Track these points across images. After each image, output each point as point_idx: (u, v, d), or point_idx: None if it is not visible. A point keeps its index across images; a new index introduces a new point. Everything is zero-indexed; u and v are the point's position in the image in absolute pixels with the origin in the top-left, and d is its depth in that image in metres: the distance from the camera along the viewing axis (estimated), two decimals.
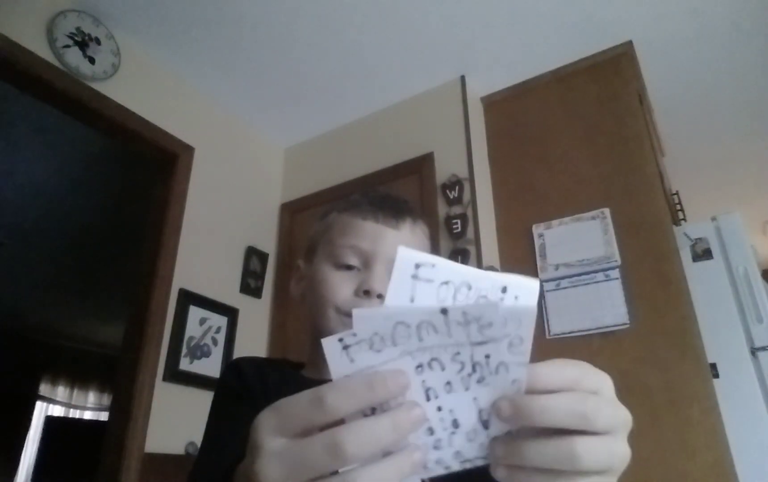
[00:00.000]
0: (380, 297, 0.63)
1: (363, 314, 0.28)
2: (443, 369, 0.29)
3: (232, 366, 0.68)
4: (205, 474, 0.57)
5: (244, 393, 0.63)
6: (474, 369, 0.29)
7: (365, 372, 0.28)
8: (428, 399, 0.29)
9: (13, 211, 3.75)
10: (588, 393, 0.30)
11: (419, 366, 0.29)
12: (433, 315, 0.28)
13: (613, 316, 1.96)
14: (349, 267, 0.66)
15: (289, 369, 0.72)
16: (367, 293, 0.63)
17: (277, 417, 0.29)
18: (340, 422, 0.28)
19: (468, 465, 0.31)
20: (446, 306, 0.28)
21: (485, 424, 0.30)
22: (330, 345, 0.28)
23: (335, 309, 0.64)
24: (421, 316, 0.28)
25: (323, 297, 0.65)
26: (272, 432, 0.28)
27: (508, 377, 0.29)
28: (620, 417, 0.31)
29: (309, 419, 0.28)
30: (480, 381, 0.29)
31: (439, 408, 0.29)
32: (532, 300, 0.30)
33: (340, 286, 0.65)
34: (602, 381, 0.32)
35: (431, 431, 0.30)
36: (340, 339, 0.28)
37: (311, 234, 0.76)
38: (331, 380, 0.28)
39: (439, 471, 0.31)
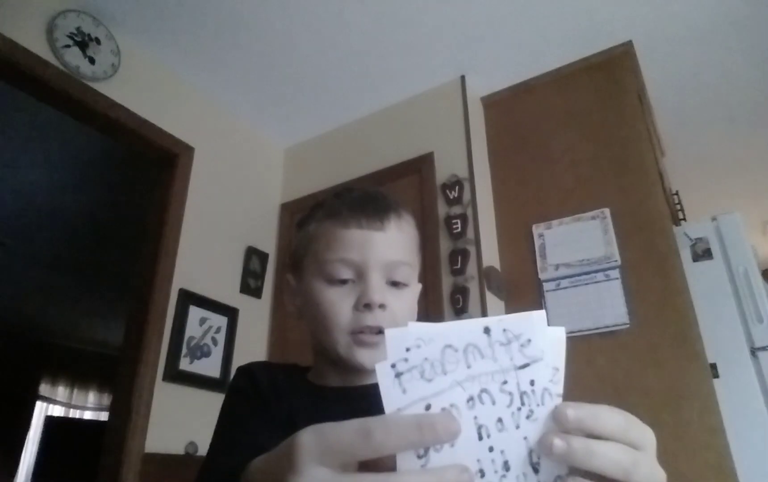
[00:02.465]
0: (382, 307, 0.62)
1: (414, 330, 0.28)
2: (494, 403, 0.29)
3: (244, 370, 0.67)
4: (217, 477, 0.56)
5: (257, 397, 0.63)
6: (522, 402, 0.29)
7: (416, 413, 0.28)
8: (480, 438, 0.29)
9: (14, 211, 3.75)
10: (632, 448, 0.31)
11: (470, 399, 0.29)
12: (478, 337, 0.29)
13: (613, 316, 1.96)
14: (343, 282, 0.63)
15: (297, 374, 0.71)
16: (367, 306, 0.61)
17: (321, 443, 0.28)
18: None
19: None
20: (488, 324, 0.29)
21: (535, 468, 0.29)
22: (383, 372, 0.28)
23: (339, 330, 0.62)
24: (467, 338, 0.28)
25: (325, 318, 0.63)
26: (315, 459, 0.28)
27: (551, 425, 0.29)
28: (657, 477, 0.32)
29: (354, 452, 0.27)
30: (529, 416, 0.29)
31: (491, 449, 0.29)
32: (560, 332, 0.30)
33: (340, 304, 0.62)
34: (646, 437, 0.32)
35: (482, 473, 0.29)
36: (393, 365, 0.28)
37: (294, 245, 0.73)
38: (335, 388, 0.28)
39: None
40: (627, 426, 0.31)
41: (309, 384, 0.68)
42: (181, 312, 2.22)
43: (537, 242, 2.22)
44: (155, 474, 1.97)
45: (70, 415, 6.48)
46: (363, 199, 0.67)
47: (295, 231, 0.75)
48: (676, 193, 2.57)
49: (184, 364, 2.19)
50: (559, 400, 0.29)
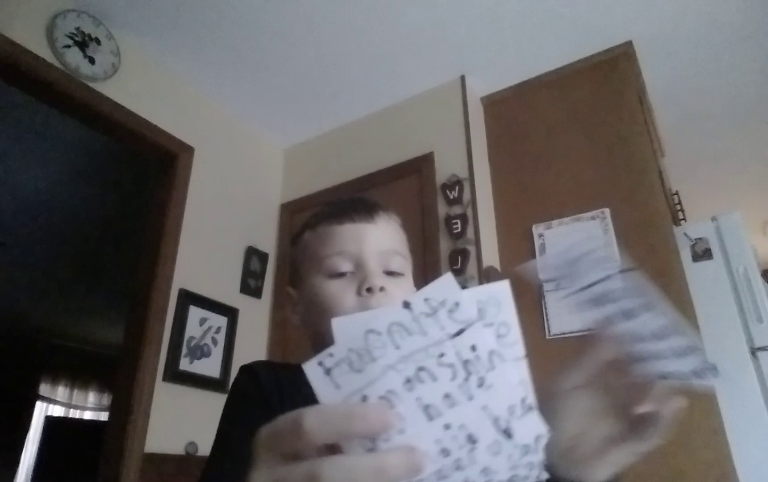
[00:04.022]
0: (382, 289, 0.63)
1: (337, 322, 0.27)
2: (435, 379, 0.27)
3: (247, 370, 0.67)
4: (221, 480, 0.56)
5: (261, 397, 0.63)
6: (468, 371, 0.27)
7: (348, 402, 0.27)
8: (431, 418, 0.27)
9: (13, 211, 3.75)
10: None
11: (407, 381, 0.27)
12: (399, 314, 0.27)
13: None
14: (342, 275, 0.65)
15: (300, 374, 0.71)
16: (370, 290, 0.63)
17: (269, 433, 0.28)
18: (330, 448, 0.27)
19: None
20: (407, 299, 0.27)
21: (507, 433, 0.27)
22: (312, 372, 0.27)
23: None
24: (388, 318, 0.27)
25: (328, 310, 0.64)
26: (265, 448, 0.28)
27: (510, 377, 0.27)
28: None
29: (289, 443, 0.27)
30: (481, 384, 0.27)
31: (447, 427, 0.27)
32: (504, 284, 0.28)
33: (342, 294, 0.64)
34: None
35: (446, 452, 0.27)
36: (320, 363, 0.27)
37: (292, 259, 0.76)
38: None
39: None
40: None
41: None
42: (181, 312, 2.22)
43: (537, 242, 2.22)
44: (155, 474, 1.97)
45: (70, 415, 6.48)
46: (352, 200, 0.72)
47: (290, 248, 0.78)
48: (676, 193, 2.56)
49: (184, 364, 2.19)
50: (514, 362, 0.27)
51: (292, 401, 0.63)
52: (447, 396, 0.27)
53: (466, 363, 0.27)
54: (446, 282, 0.27)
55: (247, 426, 0.60)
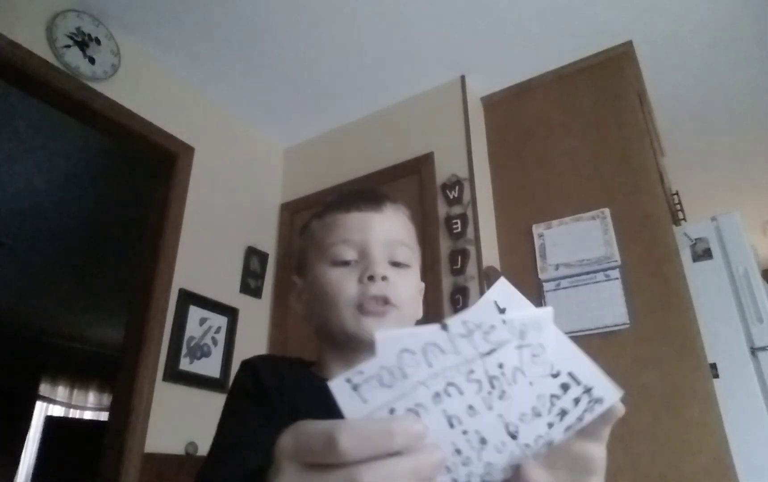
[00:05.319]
0: (385, 278, 0.63)
1: (381, 337, 0.27)
2: (462, 393, 0.28)
3: (247, 365, 0.67)
4: (220, 477, 0.56)
5: (260, 392, 0.63)
6: (492, 385, 0.28)
7: (380, 417, 0.27)
8: (452, 426, 0.28)
9: (13, 211, 3.75)
10: None
11: (436, 395, 0.28)
12: (436, 334, 0.27)
13: (613, 316, 1.96)
14: (347, 263, 0.65)
15: (301, 368, 0.71)
16: (371, 278, 0.63)
17: (294, 442, 0.28)
18: None
19: (500, 476, 0.31)
20: (446, 321, 0.27)
21: (513, 435, 0.30)
22: (338, 388, 0.27)
23: (345, 304, 0.64)
24: (424, 338, 0.27)
25: (332, 296, 0.64)
26: (290, 457, 0.28)
27: (529, 391, 0.29)
28: None
29: (321, 458, 0.27)
30: (501, 397, 0.28)
31: (465, 432, 0.29)
32: (547, 310, 0.29)
33: (345, 280, 0.64)
34: None
35: (459, 451, 0.29)
36: (348, 380, 0.27)
37: (298, 248, 0.76)
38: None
39: None
40: None
41: (313, 376, 0.68)
42: (181, 312, 2.22)
43: (537, 242, 2.22)
44: (155, 474, 1.97)
45: (70, 415, 6.48)
46: (359, 190, 0.72)
47: (298, 238, 0.77)
48: (676, 193, 2.56)
49: (184, 364, 2.19)
50: (538, 378, 0.29)
51: (292, 396, 0.63)
52: (470, 407, 0.28)
53: (492, 378, 0.28)
54: (486, 306, 0.28)
55: (246, 423, 0.60)
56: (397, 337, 0.27)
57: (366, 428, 0.26)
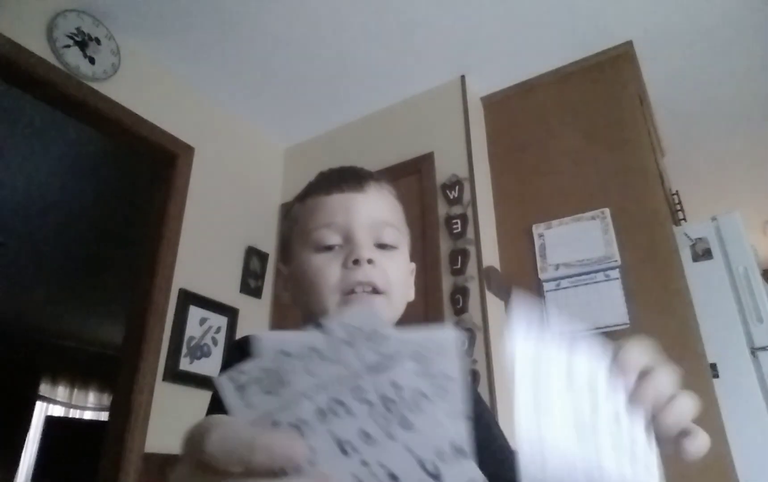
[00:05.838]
0: (371, 262, 0.61)
1: (258, 338, 0.25)
2: (351, 414, 0.25)
3: (236, 345, 0.64)
4: None
5: None
6: (388, 408, 0.25)
7: (255, 426, 0.24)
8: (345, 453, 0.24)
9: (13, 211, 3.75)
10: None
11: (320, 411, 0.25)
12: (315, 338, 0.25)
13: (613, 316, 1.96)
14: (330, 248, 0.62)
15: None
16: (356, 262, 0.60)
17: (188, 434, 0.26)
18: None
19: None
20: (325, 323, 0.25)
21: (434, 475, 0.24)
22: (223, 386, 0.25)
23: (329, 291, 0.61)
24: (303, 340, 0.25)
25: (314, 283, 0.62)
26: (182, 451, 0.26)
27: (439, 421, 0.25)
28: None
29: (193, 454, 0.24)
30: (404, 425, 0.25)
31: (365, 463, 0.24)
32: (449, 333, 0.26)
33: (329, 266, 0.61)
34: None
35: None
36: (230, 378, 0.25)
37: (282, 233, 0.73)
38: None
39: None
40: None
41: None
42: (181, 312, 2.22)
43: (537, 242, 2.22)
44: (155, 474, 1.97)
45: (70, 415, 6.48)
46: (341, 170, 0.69)
47: (283, 220, 0.75)
48: (676, 193, 2.57)
49: (184, 364, 2.19)
50: (450, 413, 0.25)
51: None
52: (365, 433, 0.25)
53: (386, 401, 0.25)
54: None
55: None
56: (275, 338, 0.25)
57: (233, 435, 0.23)
